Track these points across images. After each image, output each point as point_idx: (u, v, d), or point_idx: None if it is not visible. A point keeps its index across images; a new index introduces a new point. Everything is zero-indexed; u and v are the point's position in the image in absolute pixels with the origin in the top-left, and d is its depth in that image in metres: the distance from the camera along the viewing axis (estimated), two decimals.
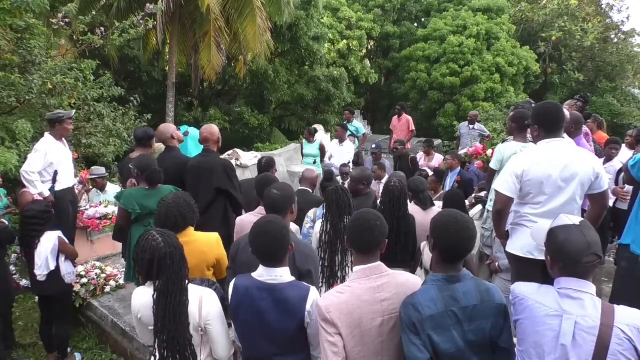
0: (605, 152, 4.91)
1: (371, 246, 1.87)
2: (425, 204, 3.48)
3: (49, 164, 4.37)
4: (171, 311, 1.92)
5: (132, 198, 3.43)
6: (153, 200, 3.34)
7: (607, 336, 1.55)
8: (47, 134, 4.45)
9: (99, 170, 5.86)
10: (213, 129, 4.03)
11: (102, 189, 5.83)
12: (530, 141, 3.48)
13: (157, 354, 1.98)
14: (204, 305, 2.04)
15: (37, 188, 4.24)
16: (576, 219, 1.75)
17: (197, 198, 3.01)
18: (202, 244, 2.62)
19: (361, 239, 1.87)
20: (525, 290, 1.75)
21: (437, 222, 1.84)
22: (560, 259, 1.66)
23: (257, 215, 2.94)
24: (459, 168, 6.02)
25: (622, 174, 4.06)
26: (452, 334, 1.70)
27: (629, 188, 3.81)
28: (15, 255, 4.70)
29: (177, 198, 2.57)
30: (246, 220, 3.01)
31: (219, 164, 3.86)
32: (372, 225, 1.86)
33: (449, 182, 5.96)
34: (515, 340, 1.90)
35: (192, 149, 6.10)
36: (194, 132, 6.58)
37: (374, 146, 7.36)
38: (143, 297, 2.01)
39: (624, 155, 4.83)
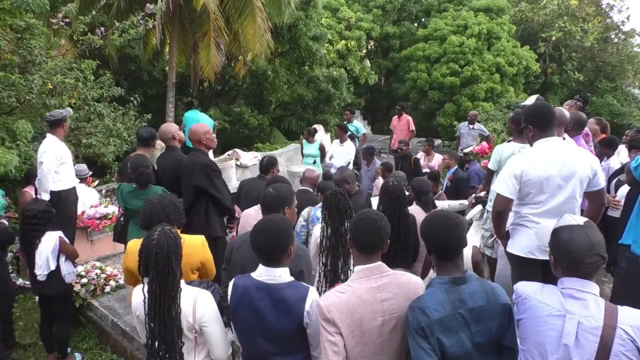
0: (600, 151, 4.88)
1: (376, 246, 1.87)
2: (427, 206, 3.49)
3: (62, 162, 4.43)
4: (158, 315, 1.93)
5: (121, 192, 3.61)
6: (140, 201, 3.45)
7: (609, 337, 1.55)
8: (49, 135, 4.44)
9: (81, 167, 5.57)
10: (195, 128, 3.94)
11: None
12: None
13: (148, 349, 2.00)
14: (198, 306, 2.03)
15: (48, 192, 4.31)
16: (580, 219, 1.75)
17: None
18: (186, 247, 2.56)
19: (367, 239, 1.87)
20: (528, 289, 1.75)
21: (421, 224, 1.92)
22: (564, 259, 1.66)
23: (258, 209, 2.98)
24: (456, 166, 6.06)
25: (615, 181, 4.04)
26: (461, 336, 1.70)
27: (620, 196, 3.79)
28: (12, 254, 4.70)
29: (163, 198, 2.56)
30: (248, 214, 3.05)
31: (198, 162, 3.76)
32: (379, 225, 1.87)
33: (445, 180, 6.02)
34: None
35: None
36: (192, 115, 6.61)
37: (365, 145, 7.39)
38: (141, 296, 2.02)
39: (624, 155, 4.82)
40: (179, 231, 2.58)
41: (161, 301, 1.93)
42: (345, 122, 9.19)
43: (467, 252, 3.24)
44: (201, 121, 6.16)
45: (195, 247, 2.62)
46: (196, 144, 3.88)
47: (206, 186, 3.70)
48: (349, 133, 8.83)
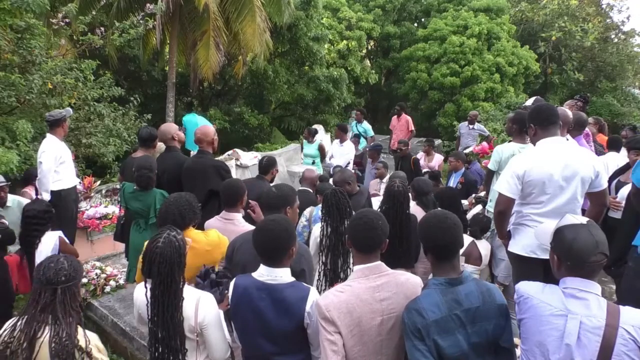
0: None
1: (373, 245, 1.88)
2: (428, 207, 3.50)
3: (61, 162, 4.44)
4: (161, 321, 1.94)
5: (123, 192, 3.63)
6: (139, 202, 3.53)
7: (611, 336, 1.55)
8: (49, 135, 4.46)
9: None
10: (207, 129, 3.99)
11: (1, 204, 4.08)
12: (529, 142, 3.50)
13: (151, 353, 2.00)
14: (200, 309, 2.04)
15: (48, 191, 4.32)
16: (583, 219, 1.76)
17: None
18: (205, 244, 2.61)
19: (363, 238, 1.87)
20: (530, 289, 1.75)
21: (419, 224, 1.93)
22: (568, 258, 1.66)
23: (220, 219, 2.96)
24: (463, 169, 6.00)
25: (615, 182, 4.05)
26: (457, 337, 1.70)
27: (621, 197, 3.80)
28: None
29: (180, 197, 2.58)
30: (208, 224, 3.00)
31: (211, 165, 3.81)
32: (375, 224, 1.87)
33: (453, 183, 5.95)
34: (516, 340, 1.90)
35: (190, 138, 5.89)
36: (190, 119, 6.56)
37: (372, 144, 7.42)
38: (141, 295, 2.03)
39: (623, 155, 4.81)
40: (192, 230, 2.59)
41: (164, 308, 1.93)
42: (355, 122, 9.15)
43: (486, 251, 3.53)
44: (201, 124, 6.15)
45: (212, 243, 2.64)
46: (207, 145, 3.90)
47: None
48: (356, 133, 8.81)
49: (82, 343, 1.90)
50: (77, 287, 1.96)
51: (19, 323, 1.89)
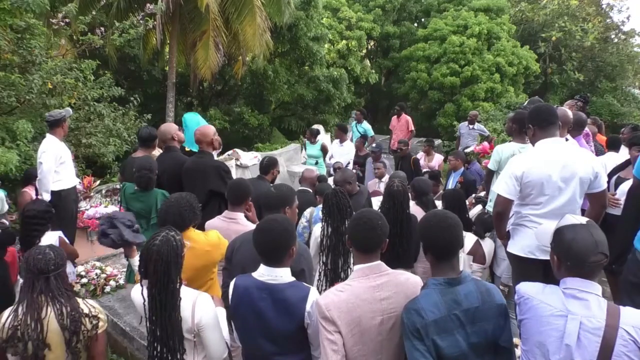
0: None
1: (373, 245, 1.88)
2: (428, 207, 3.50)
3: (61, 162, 4.45)
4: (159, 320, 1.95)
5: (124, 192, 3.63)
6: (140, 203, 3.52)
7: (611, 337, 1.55)
8: (49, 135, 4.46)
9: None
10: (206, 129, 3.97)
11: None
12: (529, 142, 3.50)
13: (150, 352, 2.01)
14: (196, 310, 2.04)
15: (48, 191, 4.33)
16: (582, 219, 1.75)
17: None
18: (205, 244, 2.60)
19: (363, 238, 1.88)
20: (530, 290, 1.75)
21: (419, 223, 1.95)
22: (568, 258, 1.66)
23: (223, 218, 2.97)
24: (462, 168, 6.00)
25: (614, 178, 4.05)
26: (456, 337, 1.70)
27: (620, 193, 3.79)
28: None
29: (181, 198, 2.58)
30: (210, 224, 3.01)
31: (211, 166, 3.81)
32: (375, 224, 1.88)
33: (452, 182, 5.95)
34: (516, 340, 1.90)
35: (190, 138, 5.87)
36: (192, 117, 6.55)
37: (374, 145, 7.41)
38: (138, 296, 2.03)
39: (623, 153, 4.81)
40: (192, 230, 2.58)
41: (162, 307, 1.94)
42: (355, 122, 9.13)
43: (490, 250, 3.57)
44: (201, 123, 6.15)
45: (212, 243, 2.64)
46: (207, 145, 3.90)
47: (221, 189, 3.70)
48: (357, 135, 8.79)
49: (87, 311, 2.10)
50: (64, 272, 2.16)
51: (20, 309, 2.01)
